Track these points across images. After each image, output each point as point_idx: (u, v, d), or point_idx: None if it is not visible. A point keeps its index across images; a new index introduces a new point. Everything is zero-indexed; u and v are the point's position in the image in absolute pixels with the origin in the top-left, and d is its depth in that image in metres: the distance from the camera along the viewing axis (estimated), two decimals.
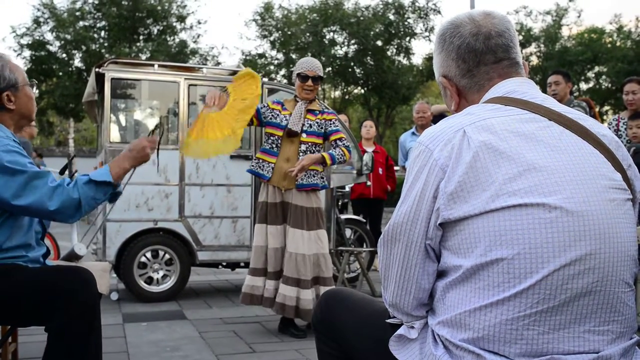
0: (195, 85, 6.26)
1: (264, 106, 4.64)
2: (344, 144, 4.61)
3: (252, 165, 4.62)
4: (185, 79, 6.05)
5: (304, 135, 4.51)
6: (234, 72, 6.52)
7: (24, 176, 2.33)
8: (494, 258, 1.34)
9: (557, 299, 1.32)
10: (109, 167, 2.55)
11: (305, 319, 4.41)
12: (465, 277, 1.39)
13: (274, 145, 4.55)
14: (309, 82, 4.55)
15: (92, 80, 6.14)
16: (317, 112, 4.64)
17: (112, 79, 5.83)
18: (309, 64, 4.60)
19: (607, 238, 1.35)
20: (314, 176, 4.52)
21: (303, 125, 4.54)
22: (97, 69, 5.86)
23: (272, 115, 4.59)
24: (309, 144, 4.53)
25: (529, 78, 1.62)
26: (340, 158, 4.55)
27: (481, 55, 1.57)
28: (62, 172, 3.33)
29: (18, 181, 2.32)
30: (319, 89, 4.68)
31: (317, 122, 4.58)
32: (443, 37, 1.62)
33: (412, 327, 1.54)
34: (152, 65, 6.17)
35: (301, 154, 4.49)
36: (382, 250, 1.55)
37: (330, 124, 4.64)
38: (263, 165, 4.54)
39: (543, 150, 1.39)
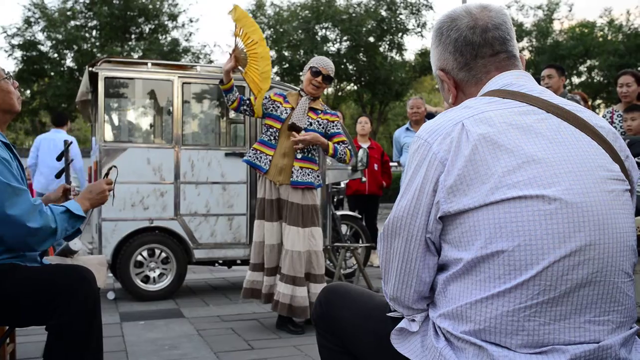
0: (189, 83, 6.25)
1: (266, 97, 4.63)
2: (346, 146, 4.62)
3: (250, 156, 4.59)
4: (179, 77, 6.04)
5: (303, 132, 4.51)
6: None
7: (6, 188, 2.28)
8: (494, 250, 1.34)
9: (558, 290, 1.32)
10: (77, 203, 2.59)
11: (299, 316, 4.41)
12: (466, 270, 1.39)
13: (272, 138, 4.54)
14: (319, 79, 4.54)
15: (85, 79, 6.12)
16: (320, 111, 4.63)
17: (105, 77, 5.81)
18: (324, 62, 4.60)
19: (606, 228, 1.35)
20: (309, 174, 4.52)
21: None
22: (90, 68, 5.85)
23: (273, 107, 4.59)
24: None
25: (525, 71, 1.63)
26: (342, 155, 4.56)
27: (478, 48, 1.57)
28: (59, 159, 3.31)
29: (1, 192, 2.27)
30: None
31: (317, 121, 4.57)
32: (440, 31, 1.63)
33: (413, 321, 1.55)
34: (146, 63, 6.15)
35: (298, 151, 4.49)
36: (382, 245, 1.56)
37: (333, 125, 4.64)
38: (260, 157, 4.53)
39: (541, 143, 1.39)
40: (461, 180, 1.38)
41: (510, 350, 1.34)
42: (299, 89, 4.74)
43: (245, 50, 4.50)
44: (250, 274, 4.62)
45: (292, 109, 4.58)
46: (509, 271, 1.34)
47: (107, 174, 2.89)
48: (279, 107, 4.58)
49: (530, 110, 1.46)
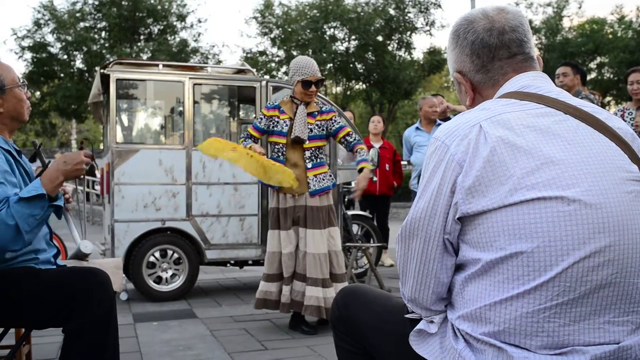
0: (200, 84, 6.27)
1: (261, 118, 4.59)
2: (354, 138, 4.60)
3: None
4: (190, 78, 6.05)
5: (306, 141, 4.49)
6: (238, 71, 6.55)
7: None
8: (513, 251, 1.35)
9: (577, 291, 1.32)
10: (40, 181, 2.37)
11: None
12: (485, 271, 1.39)
13: (279, 154, 4.52)
14: (313, 88, 4.49)
15: (97, 81, 6.16)
16: (316, 113, 4.58)
17: (117, 79, 5.84)
18: (310, 68, 4.48)
19: (626, 230, 1.35)
20: (324, 179, 4.52)
21: None
22: (102, 70, 5.88)
23: (272, 123, 4.55)
24: (312, 148, 4.53)
25: (543, 72, 1.63)
26: (367, 155, 4.60)
27: (495, 51, 1.58)
28: (32, 160, 3.27)
29: None
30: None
31: (317, 125, 4.55)
32: (457, 33, 1.63)
33: (432, 322, 1.55)
34: (157, 65, 6.18)
35: (307, 160, 4.49)
36: (400, 246, 1.56)
37: (333, 123, 4.60)
38: None
39: (560, 144, 1.39)
40: (480, 182, 1.38)
41: (530, 352, 1.34)
42: (290, 95, 4.66)
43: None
44: (263, 284, 4.59)
45: (290, 119, 4.53)
46: (528, 272, 1.34)
47: (81, 148, 2.71)
48: (278, 122, 4.54)
49: (548, 112, 1.46)
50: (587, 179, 1.36)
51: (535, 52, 1.64)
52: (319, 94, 4.92)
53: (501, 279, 1.37)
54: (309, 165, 4.50)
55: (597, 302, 1.34)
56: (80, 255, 3.18)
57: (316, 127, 4.54)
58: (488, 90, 1.63)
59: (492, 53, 1.58)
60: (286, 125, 4.52)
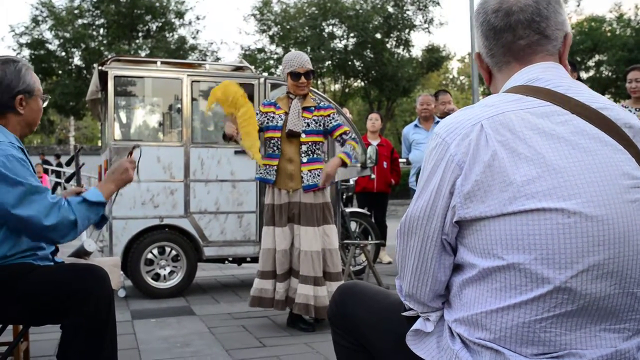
0: (198, 81, 6.27)
1: (258, 113, 4.57)
2: (349, 136, 4.58)
3: (261, 173, 4.59)
4: (188, 75, 6.05)
5: (303, 135, 4.49)
6: (237, 68, 6.54)
7: (22, 188, 2.31)
8: (510, 262, 1.32)
9: (576, 304, 1.30)
10: (98, 189, 2.58)
11: (323, 315, 4.37)
12: (482, 277, 1.37)
13: (275, 148, 4.52)
14: (302, 79, 4.49)
15: (95, 78, 6.14)
16: (313, 108, 4.57)
17: (115, 76, 5.83)
18: (298, 60, 4.50)
19: (628, 241, 1.32)
20: (318, 175, 4.50)
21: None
22: (100, 67, 5.87)
23: (268, 119, 4.55)
24: (309, 143, 4.52)
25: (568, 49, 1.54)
26: (353, 152, 4.54)
27: (499, 34, 1.51)
28: (68, 164, 3.35)
29: (16, 191, 2.30)
30: (315, 82, 4.57)
31: (314, 120, 4.53)
32: (476, 13, 1.58)
33: (428, 320, 1.53)
34: (155, 62, 6.17)
35: (303, 154, 4.49)
36: (399, 242, 1.54)
37: (330, 119, 4.58)
38: (269, 171, 4.52)
39: (563, 149, 1.34)
40: (479, 187, 1.35)
41: (527, 358, 1.33)
42: (286, 92, 4.65)
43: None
44: (258, 282, 4.57)
45: (286, 113, 4.53)
46: (526, 283, 1.31)
47: (130, 153, 2.79)
48: (273, 117, 4.54)
49: (554, 110, 1.39)
50: (589, 188, 1.31)
51: (558, 32, 1.51)
52: (317, 90, 4.91)
53: (498, 287, 1.35)
54: (304, 160, 4.48)
55: (595, 312, 1.32)
56: (82, 253, 3.18)
57: (313, 122, 4.52)
58: (497, 75, 1.59)
59: (497, 36, 1.52)
60: (281, 120, 4.52)
